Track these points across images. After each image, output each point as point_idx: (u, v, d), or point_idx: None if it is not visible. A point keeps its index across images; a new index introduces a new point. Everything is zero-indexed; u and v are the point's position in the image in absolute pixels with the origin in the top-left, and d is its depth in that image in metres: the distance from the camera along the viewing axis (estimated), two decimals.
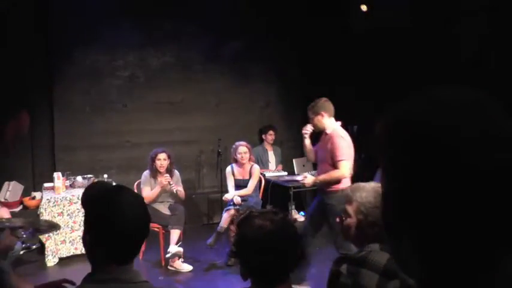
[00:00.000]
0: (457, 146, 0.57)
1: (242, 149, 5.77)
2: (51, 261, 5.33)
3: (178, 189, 5.54)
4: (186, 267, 5.19)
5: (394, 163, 0.63)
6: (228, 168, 5.94)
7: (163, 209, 5.48)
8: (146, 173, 5.58)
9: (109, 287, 1.44)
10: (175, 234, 5.22)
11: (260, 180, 6.10)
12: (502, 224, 0.57)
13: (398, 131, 0.63)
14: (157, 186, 5.45)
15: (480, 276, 0.58)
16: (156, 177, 5.49)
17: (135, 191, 5.60)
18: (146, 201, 5.43)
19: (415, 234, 0.61)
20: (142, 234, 1.48)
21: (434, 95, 0.64)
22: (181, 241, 5.29)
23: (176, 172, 5.66)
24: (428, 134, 0.59)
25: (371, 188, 1.93)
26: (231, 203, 5.60)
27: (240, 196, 5.67)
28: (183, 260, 5.21)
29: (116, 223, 1.41)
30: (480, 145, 0.57)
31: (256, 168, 5.91)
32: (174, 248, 5.13)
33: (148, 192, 5.44)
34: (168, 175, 5.43)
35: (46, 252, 5.29)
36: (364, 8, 6.91)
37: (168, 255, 5.15)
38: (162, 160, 5.43)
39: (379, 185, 1.97)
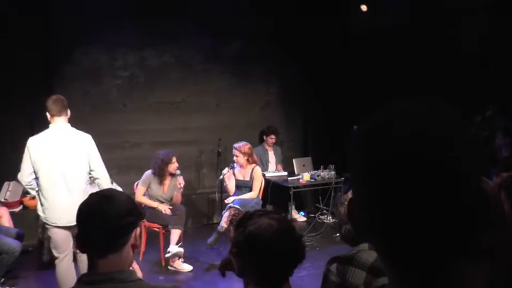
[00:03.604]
0: (402, 154, 0.59)
1: (234, 151, 5.80)
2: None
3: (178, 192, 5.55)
4: (186, 267, 5.19)
5: (356, 171, 0.65)
6: (225, 170, 5.91)
7: (163, 208, 5.46)
8: (149, 173, 5.49)
9: (104, 287, 1.45)
10: (175, 234, 5.22)
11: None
12: (455, 230, 0.59)
13: (361, 142, 0.65)
14: (158, 206, 5.42)
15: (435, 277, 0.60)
16: (164, 179, 5.45)
17: (135, 191, 5.62)
18: (135, 199, 5.35)
19: (374, 237, 0.64)
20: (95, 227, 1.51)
21: (396, 107, 0.66)
22: (181, 241, 5.29)
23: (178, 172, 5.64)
24: (388, 143, 0.61)
25: None
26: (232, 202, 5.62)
27: (243, 199, 5.67)
28: (183, 260, 5.21)
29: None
30: (439, 152, 0.59)
31: (258, 170, 5.90)
32: (174, 248, 5.13)
33: (141, 194, 5.46)
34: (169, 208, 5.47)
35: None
36: (364, 8, 6.91)
37: (168, 255, 5.14)
38: (176, 163, 5.45)
39: None
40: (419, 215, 0.58)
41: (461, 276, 0.60)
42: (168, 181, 5.47)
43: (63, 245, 3.87)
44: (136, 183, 5.80)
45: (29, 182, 3.86)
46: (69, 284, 3.45)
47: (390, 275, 0.65)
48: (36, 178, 3.86)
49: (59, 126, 3.87)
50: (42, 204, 3.85)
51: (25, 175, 3.83)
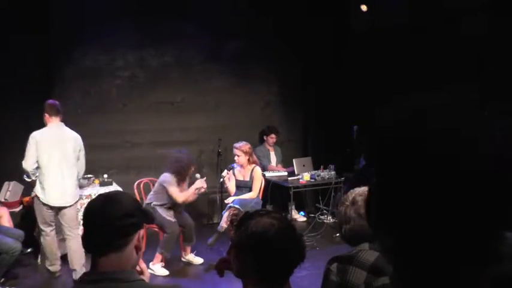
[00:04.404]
0: (434, 152, 0.58)
1: (235, 151, 5.79)
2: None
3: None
4: (163, 272, 5.11)
5: (378, 166, 0.65)
6: (224, 173, 5.90)
7: (168, 214, 5.24)
8: (170, 175, 5.25)
9: (104, 286, 1.47)
10: (188, 248, 5.45)
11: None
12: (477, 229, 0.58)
13: (382, 135, 0.65)
14: (195, 188, 5.29)
15: (460, 272, 0.59)
16: (184, 180, 5.35)
17: (135, 191, 5.61)
18: (180, 200, 5.16)
19: (392, 232, 0.63)
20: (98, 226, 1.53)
21: (414, 102, 0.65)
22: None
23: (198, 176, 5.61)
24: (407, 139, 0.61)
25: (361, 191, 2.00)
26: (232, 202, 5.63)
27: (243, 199, 5.67)
28: (163, 264, 5.16)
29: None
30: (457, 151, 0.58)
31: (258, 170, 5.90)
32: (191, 257, 5.39)
33: (178, 192, 5.22)
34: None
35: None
36: (364, 8, 6.91)
37: (185, 260, 5.39)
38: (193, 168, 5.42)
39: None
40: (447, 216, 0.58)
41: (472, 278, 0.59)
42: (185, 183, 5.38)
43: (48, 223, 4.80)
44: (136, 183, 5.80)
45: (33, 169, 4.68)
46: (53, 251, 4.90)
47: (398, 275, 0.64)
48: (37, 167, 4.68)
49: (57, 124, 4.79)
50: (43, 188, 4.70)
51: (30, 164, 4.65)
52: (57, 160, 4.71)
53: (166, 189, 5.20)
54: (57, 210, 4.79)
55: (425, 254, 0.60)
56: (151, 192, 5.43)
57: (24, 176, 4.84)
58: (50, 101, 4.86)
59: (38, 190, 4.74)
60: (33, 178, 4.75)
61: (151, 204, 5.24)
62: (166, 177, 5.26)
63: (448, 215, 0.58)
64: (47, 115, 4.77)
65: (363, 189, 2.00)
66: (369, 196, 0.67)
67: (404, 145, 0.61)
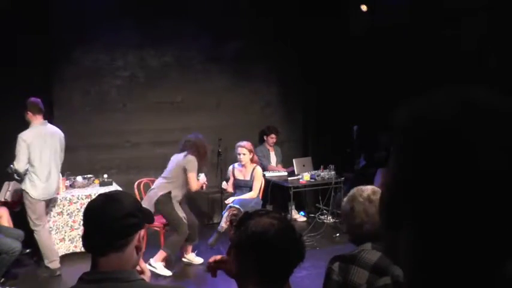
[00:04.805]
0: (476, 148, 0.57)
1: (241, 150, 5.80)
2: None
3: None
4: (166, 272, 5.08)
5: (407, 154, 0.63)
6: (230, 168, 5.96)
7: (183, 214, 5.17)
8: (195, 159, 5.08)
9: (105, 285, 1.46)
10: (189, 247, 5.42)
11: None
12: (507, 228, 0.57)
13: (417, 125, 0.63)
14: (202, 181, 5.25)
15: (479, 275, 0.58)
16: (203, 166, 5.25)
17: (135, 191, 5.61)
18: (195, 188, 5.08)
19: (416, 227, 0.61)
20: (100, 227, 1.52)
21: (461, 95, 0.65)
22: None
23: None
24: (447, 131, 0.60)
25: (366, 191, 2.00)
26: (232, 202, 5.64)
27: (243, 199, 5.68)
28: (164, 264, 5.15)
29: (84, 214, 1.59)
30: (498, 148, 0.57)
31: (259, 170, 5.91)
32: (192, 257, 5.37)
33: (196, 179, 5.13)
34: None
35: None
36: (364, 8, 6.91)
37: (186, 260, 5.39)
38: None
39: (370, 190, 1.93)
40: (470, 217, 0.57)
41: (482, 277, 0.59)
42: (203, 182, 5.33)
43: (42, 216, 5.00)
44: (137, 183, 5.80)
45: (26, 169, 4.83)
46: (51, 247, 5.07)
47: (412, 275, 0.63)
48: (31, 165, 4.84)
49: (41, 122, 4.93)
50: (34, 185, 4.87)
51: (23, 165, 4.79)
52: (48, 158, 4.94)
53: (186, 172, 4.96)
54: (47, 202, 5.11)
55: (447, 249, 0.59)
56: (165, 180, 5.13)
57: (15, 175, 4.93)
58: (33, 99, 4.91)
59: (27, 187, 4.87)
60: (23, 177, 4.89)
61: (171, 194, 5.03)
62: (191, 160, 4.99)
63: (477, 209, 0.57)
64: (30, 113, 4.87)
65: (372, 188, 1.99)
66: (391, 185, 0.65)
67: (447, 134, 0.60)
